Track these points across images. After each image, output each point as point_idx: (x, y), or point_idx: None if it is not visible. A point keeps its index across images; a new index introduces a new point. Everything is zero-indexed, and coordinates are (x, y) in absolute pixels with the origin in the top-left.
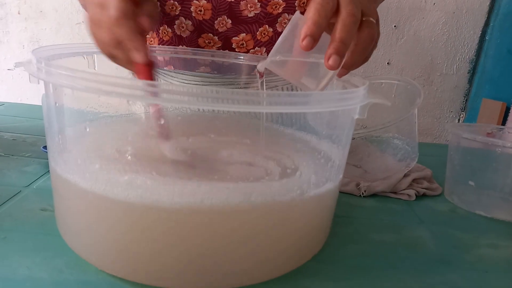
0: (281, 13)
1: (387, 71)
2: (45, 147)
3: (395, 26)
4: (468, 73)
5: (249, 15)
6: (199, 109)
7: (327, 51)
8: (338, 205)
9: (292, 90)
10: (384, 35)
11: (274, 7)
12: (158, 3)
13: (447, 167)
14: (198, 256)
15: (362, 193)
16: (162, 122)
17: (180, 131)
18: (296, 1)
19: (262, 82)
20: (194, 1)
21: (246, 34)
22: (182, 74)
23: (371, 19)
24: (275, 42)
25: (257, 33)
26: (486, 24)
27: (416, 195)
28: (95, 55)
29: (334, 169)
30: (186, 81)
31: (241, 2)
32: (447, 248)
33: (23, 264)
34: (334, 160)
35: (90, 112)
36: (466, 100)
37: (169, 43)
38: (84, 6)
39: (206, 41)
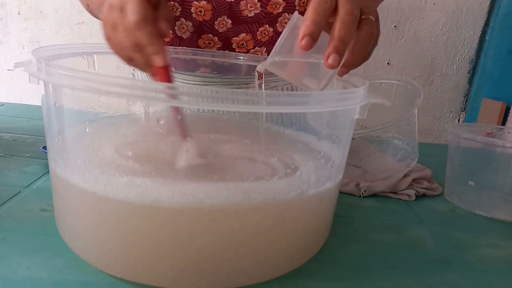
0: (281, 12)
1: (387, 71)
2: (45, 147)
3: (395, 26)
4: (468, 73)
5: (249, 15)
6: (198, 109)
7: (326, 50)
8: (338, 205)
9: (292, 90)
10: (384, 35)
11: (274, 6)
12: None
13: (447, 167)
14: (198, 256)
15: (362, 193)
16: (179, 118)
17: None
18: (296, 1)
19: (260, 84)
20: (194, 2)
21: (246, 34)
22: (183, 74)
23: (371, 17)
24: (276, 42)
25: (257, 33)
26: (486, 24)
27: (416, 195)
28: (95, 55)
29: (334, 169)
30: (186, 81)
31: (241, 2)
32: (447, 248)
33: (23, 264)
34: (334, 160)
35: (90, 112)
36: (466, 100)
37: (170, 44)
38: (91, 7)
39: (206, 42)
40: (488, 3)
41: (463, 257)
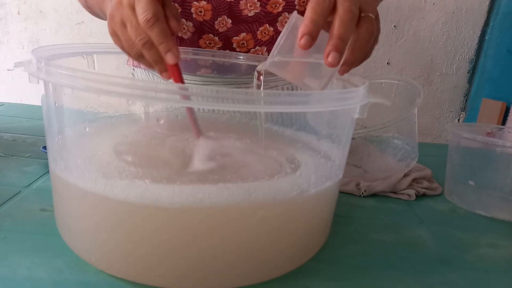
0: (281, 12)
1: (387, 71)
2: (45, 147)
3: (394, 26)
4: (468, 73)
5: (249, 15)
6: (198, 109)
7: (325, 48)
8: (338, 205)
9: (292, 89)
10: (384, 35)
11: (274, 6)
12: None
13: (447, 167)
14: (198, 256)
15: (362, 193)
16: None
17: (179, 131)
18: (296, 0)
19: (258, 85)
20: (194, 2)
21: (246, 34)
22: (183, 74)
23: (370, 14)
24: (276, 41)
25: (258, 33)
26: (486, 24)
27: (416, 195)
28: (94, 55)
29: (334, 168)
30: (186, 82)
31: (240, 1)
32: (447, 248)
33: (23, 264)
34: (334, 160)
35: (90, 112)
36: (466, 100)
37: None
38: (89, 3)
39: (207, 42)
40: (487, 3)
41: (463, 256)
